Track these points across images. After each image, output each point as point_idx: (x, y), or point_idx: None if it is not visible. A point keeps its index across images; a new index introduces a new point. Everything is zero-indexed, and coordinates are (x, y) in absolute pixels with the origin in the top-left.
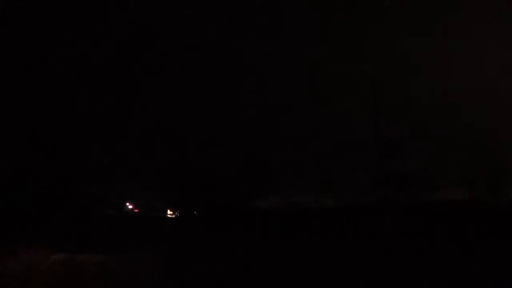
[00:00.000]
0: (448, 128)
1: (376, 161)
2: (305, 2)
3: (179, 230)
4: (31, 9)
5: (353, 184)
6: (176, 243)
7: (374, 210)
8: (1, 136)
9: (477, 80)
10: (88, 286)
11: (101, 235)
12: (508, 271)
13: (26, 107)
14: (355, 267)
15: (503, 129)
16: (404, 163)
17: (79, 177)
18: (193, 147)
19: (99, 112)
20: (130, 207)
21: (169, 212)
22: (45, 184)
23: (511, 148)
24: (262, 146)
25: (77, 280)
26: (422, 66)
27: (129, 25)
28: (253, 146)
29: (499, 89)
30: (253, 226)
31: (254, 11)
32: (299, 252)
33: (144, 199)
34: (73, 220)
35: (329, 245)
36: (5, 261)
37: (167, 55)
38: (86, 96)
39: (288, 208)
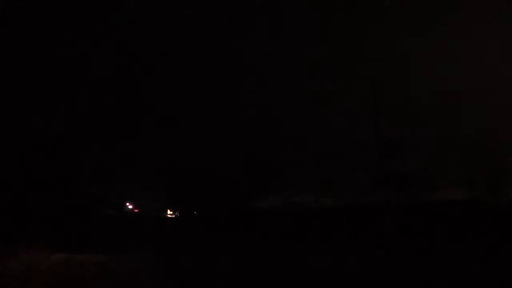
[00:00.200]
0: (448, 128)
1: (376, 161)
2: (305, 2)
3: (179, 230)
4: (31, 9)
5: (353, 184)
6: (176, 243)
7: (374, 210)
8: (1, 136)
9: (477, 80)
10: (88, 286)
11: (101, 235)
12: (508, 271)
13: (26, 107)
14: (355, 267)
15: (503, 129)
16: (404, 163)
17: (79, 177)
18: (193, 147)
19: (99, 112)
20: (130, 207)
21: (169, 212)
22: (45, 184)
23: (511, 148)
24: (262, 146)
25: (77, 280)
26: (422, 66)
27: (129, 25)
28: (253, 146)
29: (499, 89)
30: (253, 226)
31: (254, 11)
32: (299, 252)
33: (144, 199)
34: (73, 220)
35: (329, 245)
36: (5, 261)
37: (167, 55)
38: (86, 96)
39: (288, 208)
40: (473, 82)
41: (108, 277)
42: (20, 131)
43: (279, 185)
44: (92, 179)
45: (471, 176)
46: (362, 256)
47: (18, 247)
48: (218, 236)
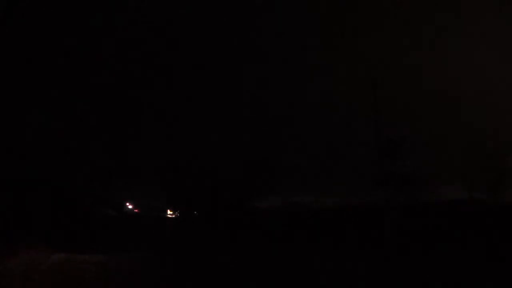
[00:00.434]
0: (448, 128)
1: (376, 161)
2: (305, 2)
3: (179, 230)
4: (31, 8)
5: (353, 184)
6: (176, 243)
7: (374, 210)
8: (1, 136)
9: (477, 80)
10: (88, 286)
11: (101, 235)
12: (509, 271)
13: (26, 107)
14: (355, 267)
15: (503, 129)
16: (404, 163)
17: (79, 177)
18: (194, 147)
19: (99, 112)
20: (130, 207)
21: (169, 212)
22: (45, 184)
23: (511, 148)
24: (262, 146)
25: (77, 280)
26: (422, 66)
27: (129, 25)
28: (253, 146)
29: (499, 89)
30: (253, 226)
31: (254, 11)
32: (299, 252)
33: (144, 199)
34: (73, 220)
35: (329, 245)
36: (5, 261)
37: (167, 56)
38: (86, 96)
39: (288, 208)
40: (473, 82)
41: (108, 277)
42: (20, 131)
43: (279, 185)
44: (92, 179)
45: (471, 176)
46: (362, 256)
47: (18, 247)
48: (218, 236)
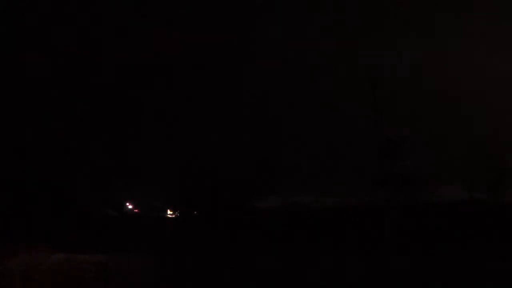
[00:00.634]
0: (448, 128)
1: (376, 161)
2: (305, 1)
3: (179, 230)
4: (30, 7)
5: (353, 184)
6: (176, 243)
7: (374, 210)
8: (1, 135)
9: (477, 80)
10: (88, 286)
11: (101, 235)
12: (509, 271)
13: (26, 107)
14: (355, 267)
15: (503, 129)
16: (404, 163)
17: (79, 177)
18: (193, 147)
19: (99, 112)
20: (130, 207)
21: (169, 212)
22: (45, 184)
23: (511, 148)
24: (262, 146)
25: (77, 280)
26: (422, 66)
27: (129, 25)
28: (253, 147)
29: (499, 89)
30: (253, 226)
31: (254, 11)
32: (299, 252)
33: (144, 199)
34: (73, 220)
35: (329, 245)
36: (5, 261)
37: (167, 55)
38: (86, 95)
39: (288, 208)
40: (473, 82)
41: (108, 277)
42: (20, 131)
43: (279, 185)
44: (92, 179)
45: (471, 176)
46: (362, 256)
47: (18, 247)
48: (218, 236)
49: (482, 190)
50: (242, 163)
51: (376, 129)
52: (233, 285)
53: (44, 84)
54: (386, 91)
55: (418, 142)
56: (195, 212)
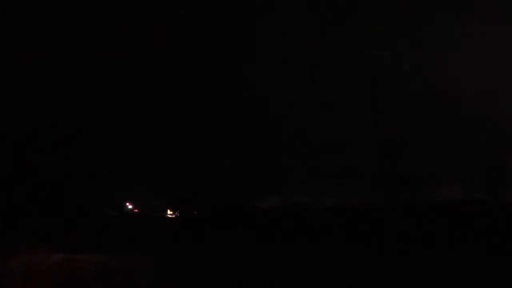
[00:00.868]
0: (448, 128)
1: (376, 161)
2: (305, 1)
3: (179, 230)
4: (30, 7)
5: (353, 184)
6: (176, 242)
7: (374, 210)
8: (1, 135)
9: (477, 80)
10: (88, 286)
11: (101, 235)
12: (509, 271)
13: (26, 106)
14: (355, 267)
15: (503, 129)
16: (404, 163)
17: (79, 177)
18: (193, 147)
19: (99, 111)
20: (130, 207)
21: (169, 212)
22: (45, 184)
23: (511, 148)
24: (262, 146)
25: (77, 280)
26: (422, 66)
27: (129, 24)
28: (253, 146)
29: (499, 89)
30: (253, 226)
31: (254, 11)
32: (299, 252)
33: (144, 199)
34: (73, 220)
35: (329, 245)
36: (5, 261)
37: (167, 55)
38: (86, 95)
39: (288, 208)
40: (473, 82)
41: (108, 277)
42: (20, 131)
43: (279, 185)
44: (92, 179)
45: (471, 176)
46: (362, 256)
47: (18, 247)
48: (218, 236)
49: (482, 190)
50: (242, 163)
51: (376, 129)
52: (233, 285)
53: (44, 84)
54: (386, 91)
55: (418, 142)
56: (195, 212)
